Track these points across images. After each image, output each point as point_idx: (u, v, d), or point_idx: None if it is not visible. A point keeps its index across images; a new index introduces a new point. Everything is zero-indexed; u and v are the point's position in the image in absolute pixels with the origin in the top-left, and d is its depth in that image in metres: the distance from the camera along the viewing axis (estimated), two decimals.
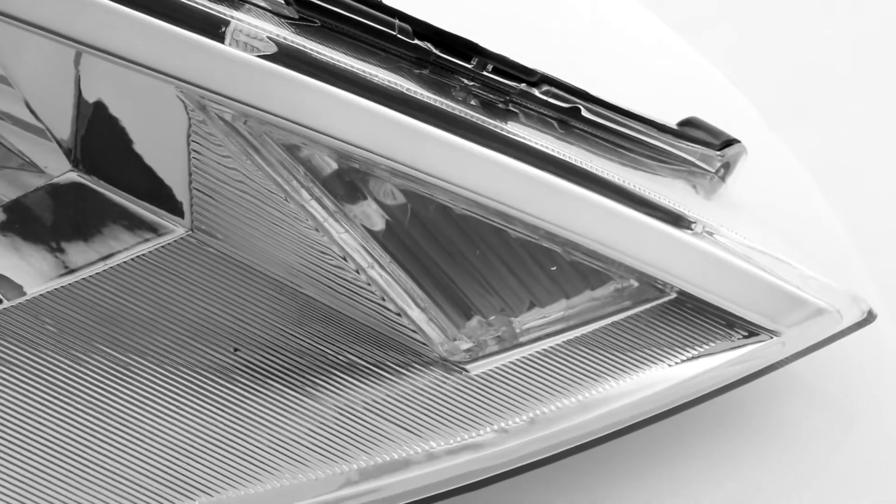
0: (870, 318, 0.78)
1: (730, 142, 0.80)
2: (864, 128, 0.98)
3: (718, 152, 0.80)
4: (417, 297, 0.73)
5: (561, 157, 0.74)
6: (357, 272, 0.72)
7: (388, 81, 0.71)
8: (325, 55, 0.70)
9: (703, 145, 0.79)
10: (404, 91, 0.71)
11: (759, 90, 0.94)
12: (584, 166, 0.74)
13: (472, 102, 0.74)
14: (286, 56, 0.69)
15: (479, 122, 0.72)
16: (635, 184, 0.75)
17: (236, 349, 0.70)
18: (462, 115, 0.72)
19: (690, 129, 0.80)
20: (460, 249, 0.73)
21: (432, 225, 0.72)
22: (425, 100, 0.72)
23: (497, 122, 0.73)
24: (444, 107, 0.72)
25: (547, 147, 0.74)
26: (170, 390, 0.70)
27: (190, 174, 0.72)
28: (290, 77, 0.69)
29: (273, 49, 0.69)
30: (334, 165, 0.71)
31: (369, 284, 0.72)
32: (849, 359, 0.82)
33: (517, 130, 0.74)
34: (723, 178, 0.80)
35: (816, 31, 1.04)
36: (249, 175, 0.71)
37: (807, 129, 0.96)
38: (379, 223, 0.72)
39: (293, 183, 0.71)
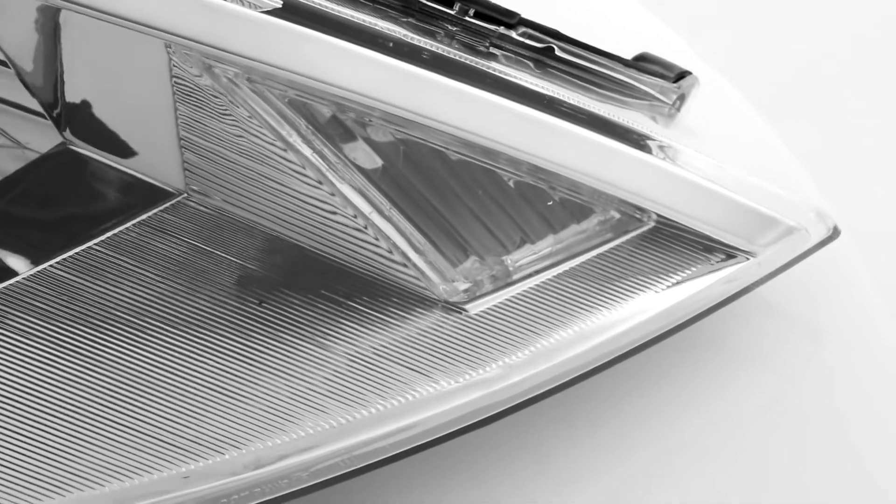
0: (835, 234, 0.82)
1: (682, 74, 0.83)
2: (864, 127, 1.01)
3: (674, 84, 0.83)
4: (416, 241, 0.74)
5: (541, 90, 0.76)
6: (364, 227, 0.73)
7: (387, 30, 0.72)
8: (325, 8, 0.71)
9: (660, 78, 0.82)
10: (403, 39, 0.73)
11: (759, 90, 0.97)
12: (562, 98, 0.76)
13: (456, 47, 0.75)
14: (291, 11, 0.70)
15: (469, 63, 0.74)
16: (610, 114, 0.78)
17: (261, 302, 0.71)
18: (454, 56, 0.74)
19: (646, 64, 0.83)
20: (454, 192, 0.75)
21: (427, 169, 0.74)
22: (423, 46, 0.73)
23: (483, 63, 0.75)
24: (439, 51, 0.74)
25: (529, 82, 0.76)
26: (188, 349, 0.70)
27: (179, 136, 0.72)
28: (299, 32, 0.69)
29: (278, 3, 0.70)
30: (335, 117, 0.72)
31: (377, 240, 0.73)
32: (812, 275, 0.86)
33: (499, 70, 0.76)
34: (678, 109, 0.83)
35: (816, 31, 1.06)
36: (249, 132, 0.72)
37: (806, 128, 0.99)
38: (378, 170, 0.74)
39: (294, 137, 0.72)
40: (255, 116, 0.71)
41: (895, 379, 0.87)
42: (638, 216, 0.78)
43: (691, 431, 0.83)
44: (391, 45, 0.73)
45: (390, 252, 0.73)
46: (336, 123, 0.72)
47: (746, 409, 0.84)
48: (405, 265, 0.74)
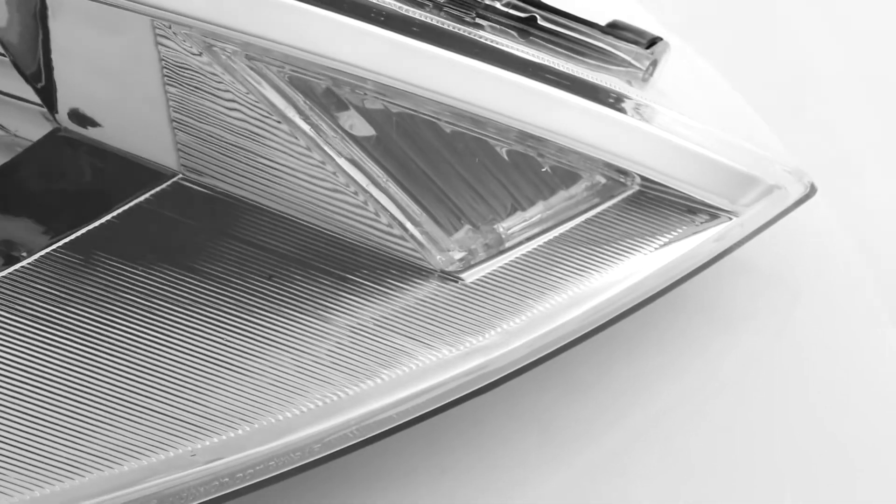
0: (812, 191, 0.84)
1: (654, 40, 0.84)
2: (864, 128, 1.02)
3: (647, 50, 0.84)
4: (412, 212, 0.75)
5: (527, 57, 0.77)
6: (365, 202, 0.74)
7: (379, 2, 0.73)
8: None
9: (634, 44, 0.83)
10: (395, 11, 0.73)
11: (759, 90, 0.98)
12: (546, 65, 0.78)
13: (444, 17, 0.76)
14: None
15: (458, 32, 0.75)
16: (593, 79, 0.79)
17: (271, 276, 0.71)
18: (443, 26, 0.75)
19: (620, 31, 0.84)
20: (447, 162, 0.76)
21: (421, 140, 0.75)
22: (414, 17, 0.74)
23: (471, 32, 0.76)
24: (428, 21, 0.74)
25: (516, 50, 0.77)
26: (192, 328, 0.70)
27: (171, 118, 0.72)
28: (296, 6, 0.70)
29: None
30: (330, 90, 0.73)
31: (377, 215, 0.74)
32: (790, 237, 0.88)
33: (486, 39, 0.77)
34: (651, 74, 0.84)
35: (816, 31, 1.07)
36: (246, 110, 0.72)
37: (806, 128, 1.00)
38: (373, 141, 0.74)
39: (292, 112, 0.72)
40: (253, 94, 0.71)
41: (871, 338, 0.89)
42: (622, 180, 0.79)
43: (674, 395, 0.85)
44: (384, 17, 0.73)
45: (389, 226, 0.74)
46: (332, 96, 0.73)
47: (725, 373, 0.85)
48: (403, 237, 0.74)
